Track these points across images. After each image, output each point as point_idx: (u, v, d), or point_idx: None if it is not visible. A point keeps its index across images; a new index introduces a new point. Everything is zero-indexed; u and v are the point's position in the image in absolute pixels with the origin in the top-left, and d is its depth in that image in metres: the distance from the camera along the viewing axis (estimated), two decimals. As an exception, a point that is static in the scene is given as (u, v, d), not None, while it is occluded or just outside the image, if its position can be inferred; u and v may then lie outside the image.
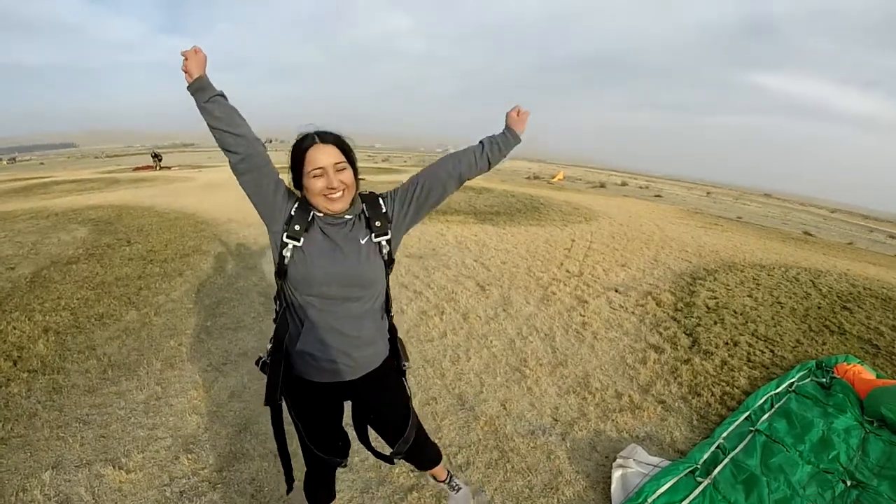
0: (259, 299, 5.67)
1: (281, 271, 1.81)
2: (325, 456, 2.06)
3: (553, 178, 39.38)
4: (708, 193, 51.73)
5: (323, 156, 1.73)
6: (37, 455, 3.04)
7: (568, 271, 7.66)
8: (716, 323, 5.81)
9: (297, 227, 1.77)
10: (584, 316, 5.75)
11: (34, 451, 3.08)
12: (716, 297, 6.84)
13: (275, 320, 1.93)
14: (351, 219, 1.85)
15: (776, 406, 3.91)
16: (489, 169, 2.05)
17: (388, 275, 1.96)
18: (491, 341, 4.92)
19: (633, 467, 3.03)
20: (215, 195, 14.50)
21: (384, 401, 2.10)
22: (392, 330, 2.09)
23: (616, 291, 6.80)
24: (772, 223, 25.12)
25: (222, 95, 1.75)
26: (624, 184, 44.95)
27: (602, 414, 3.78)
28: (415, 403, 3.70)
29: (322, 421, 2.06)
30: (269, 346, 1.95)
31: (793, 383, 4.28)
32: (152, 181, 20.40)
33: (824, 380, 4.40)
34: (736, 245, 11.46)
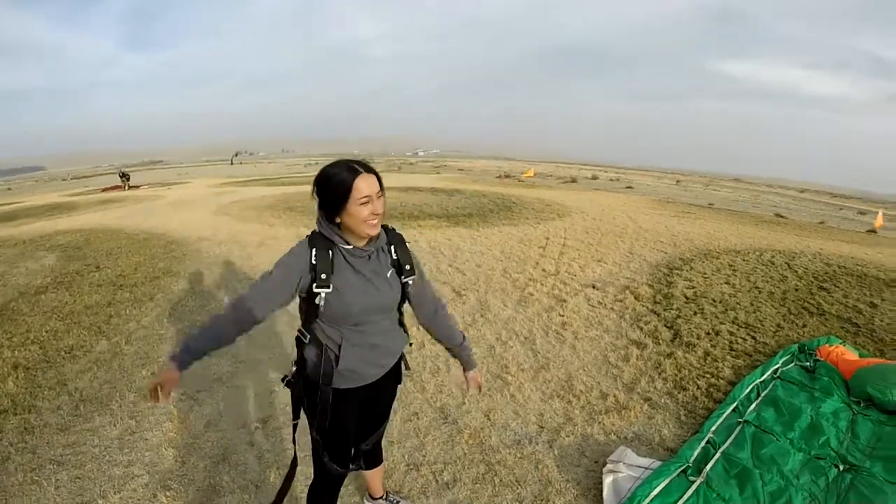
0: None
1: (311, 312, 1.95)
2: (342, 467, 2.18)
3: (524, 174, 39.48)
4: (678, 182, 52.32)
5: (368, 185, 1.83)
6: (11, 502, 2.86)
7: (544, 270, 7.61)
8: (695, 313, 5.79)
9: (323, 276, 1.87)
10: (563, 315, 5.67)
11: (8, 497, 2.90)
12: (693, 287, 6.83)
13: (300, 344, 2.06)
14: (373, 251, 1.98)
15: (762, 394, 3.87)
16: (428, 329, 2.33)
17: None
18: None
19: (623, 471, 2.94)
20: (185, 213, 14.21)
21: (379, 398, 2.29)
22: None
23: (594, 288, 6.74)
24: (743, 207, 25.47)
25: (202, 351, 1.94)
26: (594, 177, 45.23)
27: (588, 417, 3.68)
28: (396, 420, 3.63)
29: (347, 425, 2.16)
30: (293, 368, 2.08)
31: (777, 369, 4.26)
32: (121, 202, 19.96)
33: (808, 363, 4.40)
34: (709, 232, 11.54)
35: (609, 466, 3.00)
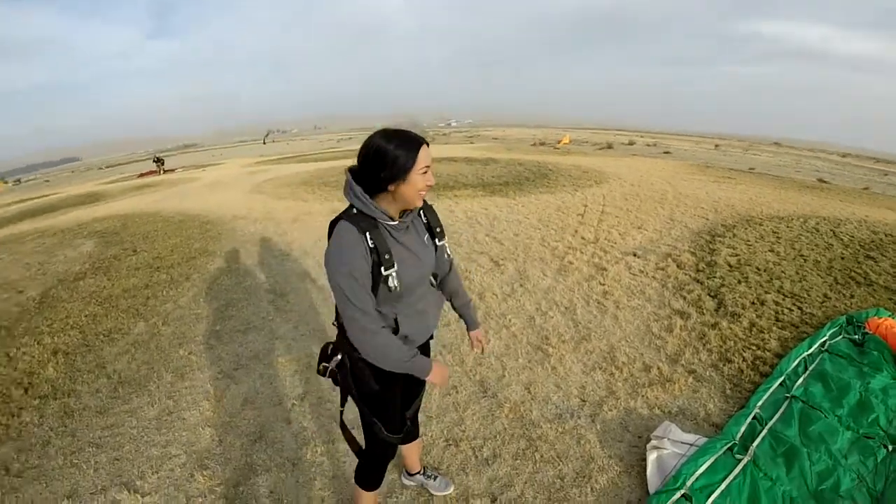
0: (268, 297, 5.56)
1: (383, 294, 1.90)
2: (397, 434, 2.18)
3: (559, 142, 38.90)
4: (717, 146, 51.04)
5: (428, 154, 1.81)
6: (52, 485, 2.96)
7: (583, 238, 7.50)
8: (740, 282, 5.65)
9: (387, 256, 1.81)
10: (603, 285, 5.59)
11: (49, 480, 3.00)
12: (737, 255, 6.66)
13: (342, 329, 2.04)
14: (409, 222, 1.94)
15: (810, 368, 3.77)
16: (441, 285, 2.33)
17: None
18: (510, 320, 4.78)
19: (668, 448, 2.89)
20: (220, 194, 14.33)
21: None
22: None
23: (635, 256, 6.63)
24: (785, 172, 24.64)
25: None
26: (631, 143, 44.23)
27: (631, 390, 3.64)
28: (435, 394, 3.63)
29: (397, 393, 2.18)
30: (336, 357, 2.06)
31: (825, 342, 4.15)
32: (156, 186, 20.19)
33: (857, 336, 4.27)
34: (751, 198, 11.20)
35: (653, 443, 2.97)
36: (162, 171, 32.33)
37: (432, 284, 2.20)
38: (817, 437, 3.01)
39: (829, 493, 2.65)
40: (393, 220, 1.84)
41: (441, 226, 2.09)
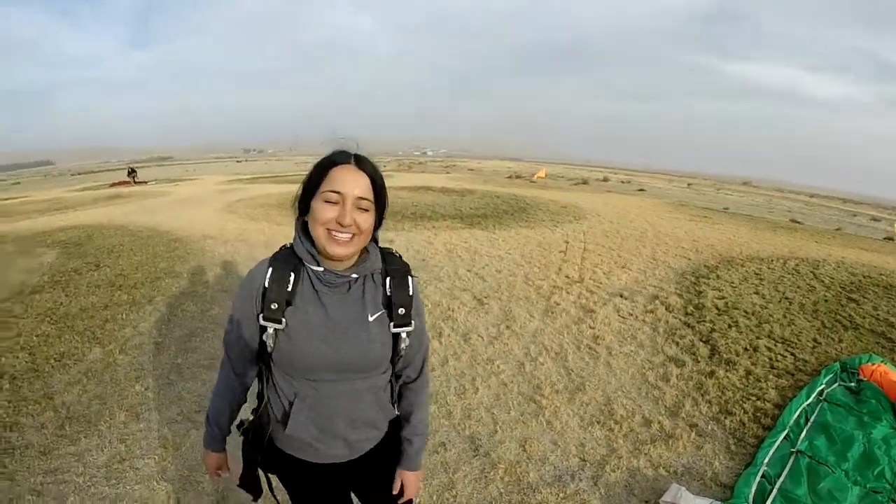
0: None
1: (262, 355, 1.45)
2: None
3: (535, 176, 39.23)
4: (689, 185, 52.16)
5: (349, 181, 1.32)
6: None
7: (567, 277, 7.37)
8: (730, 327, 5.58)
9: (273, 306, 1.36)
10: (593, 328, 5.44)
11: None
12: (724, 297, 6.62)
13: (258, 396, 1.58)
14: (356, 279, 1.42)
15: (811, 420, 3.73)
16: (407, 381, 1.63)
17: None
18: (498, 366, 4.56)
19: (681, 514, 2.71)
20: (191, 210, 13.89)
21: (379, 496, 1.71)
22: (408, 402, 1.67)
23: (622, 297, 6.51)
24: (758, 212, 25.19)
25: (236, 424, 1.66)
26: (606, 179, 44.93)
27: (633, 447, 3.45)
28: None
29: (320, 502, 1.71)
30: (251, 414, 1.58)
31: (823, 391, 4.15)
32: (127, 197, 19.50)
33: (852, 384, 4.32)
34: (730, 238, 11.33)
35: (665, 509, 2.77)
36: (134, 182, 31.94)
37: (392, 390, 1.61)
38: (827, 494, 2.96)
39: (847, 551, 2.57)
40: (318, 266, 1.39)
41: (409, 308, 1.46)
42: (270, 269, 1.40)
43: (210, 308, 5.80)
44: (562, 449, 3.42)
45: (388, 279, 1.46)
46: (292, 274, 1.39)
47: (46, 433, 3.45)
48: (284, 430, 1.45)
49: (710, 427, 3.71)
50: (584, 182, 37.72)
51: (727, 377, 4.43)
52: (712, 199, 33.56)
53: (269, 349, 1.40)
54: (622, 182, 43.28)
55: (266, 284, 1.38)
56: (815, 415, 3.77)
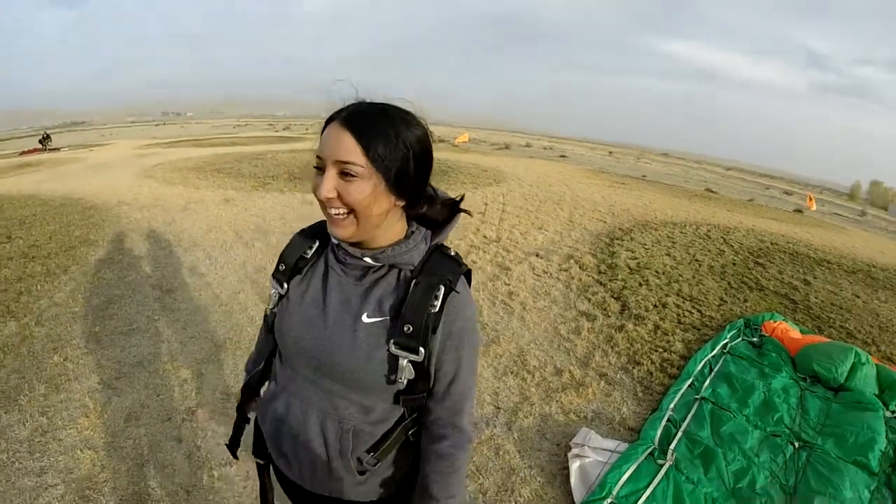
0: (153, 293, 4.93)
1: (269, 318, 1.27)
2: None
3: (457, 140, 39.12)
4: (610, 153, 53.33)
5: (329, 142, 1.00)
6: None
7: (485, 237, 7.39)
8: (641, 285, 5.73)
9: (282, 267, 1.19)
10: (508, 285, 5.45)
11: None
12: (636, 258, 6.79)
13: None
14: (374, 267, 1.11)
15: (715, 370, 3.88)
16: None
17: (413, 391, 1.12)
18: (415, 319, 4.51)
19: (589, 455, 2.76)
20: (105, 175, 12.92)
21: None
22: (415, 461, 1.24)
23: (538, 256, 6.57)
24: (675, 181, 26.09)
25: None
26: (528, 145, 45.30)
27: (545, 395, 3.48)
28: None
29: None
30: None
31: (726, 344, 4.30)
32: (38, 165, 18.07)
33: (755, 339, 4.50)
34: (646, 203, 11.69)
35: (574, 451, 2.82)
36: (47, 149, 29.92)
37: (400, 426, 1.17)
38: (729, 437, 3.09)
39: (747, 490, 2.72)
40: (336, 239, 1.12)
41: (425, 331, 1.03)
42: (301, 236, 1.24)
43: (127, 274, 5.44)
44: (477, 398, 3.40)
45: (414, 281, 1.08)
46: (317, 242, 1.21)
47: (-35, 412, 3.14)
48: (264, 410, 1.26)
49: (618, 376, 3.79)
50: (507, 147, 37.97)
51: (636, 331, 4.53)
52: (632, 167, 34.54)
53: (266, 311, 1.27)
54: (545, 148, 43.84)
55: (286, 249, 1.22)
56: (718, 365, 3.92)
